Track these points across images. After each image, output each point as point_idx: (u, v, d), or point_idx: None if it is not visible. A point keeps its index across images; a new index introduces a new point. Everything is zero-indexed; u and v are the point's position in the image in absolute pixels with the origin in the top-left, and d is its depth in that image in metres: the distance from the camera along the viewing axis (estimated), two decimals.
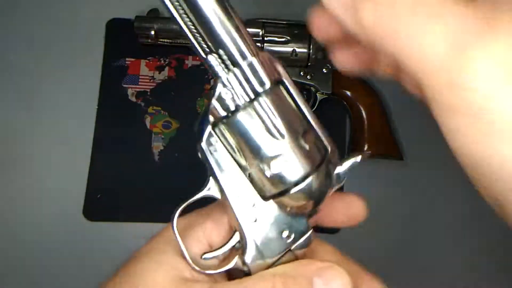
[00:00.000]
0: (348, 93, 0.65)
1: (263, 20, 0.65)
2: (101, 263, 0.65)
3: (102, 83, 0.68)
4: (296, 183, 0.33)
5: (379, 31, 0.25)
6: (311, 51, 0.64)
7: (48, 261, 0.63)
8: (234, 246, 0.35)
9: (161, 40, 0.66)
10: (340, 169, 0.35)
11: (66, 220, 0.64)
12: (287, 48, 0.64)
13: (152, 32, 0.65)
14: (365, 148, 0.64)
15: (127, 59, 0.69)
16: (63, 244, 0.63)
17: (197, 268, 0.33)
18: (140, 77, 0.69)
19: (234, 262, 0.34)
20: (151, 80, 0.69)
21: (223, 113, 0.32)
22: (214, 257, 0.35)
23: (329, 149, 0.34)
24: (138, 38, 0.66)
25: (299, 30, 0.64)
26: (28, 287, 0.63)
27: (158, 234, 0.36)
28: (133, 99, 0.68)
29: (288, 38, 0.64)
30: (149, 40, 0.66)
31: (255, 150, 0.32)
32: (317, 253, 0.37)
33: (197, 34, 0.31)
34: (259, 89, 0.32)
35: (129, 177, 0.66)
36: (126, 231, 0.64)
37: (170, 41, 0.66)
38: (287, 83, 0.33)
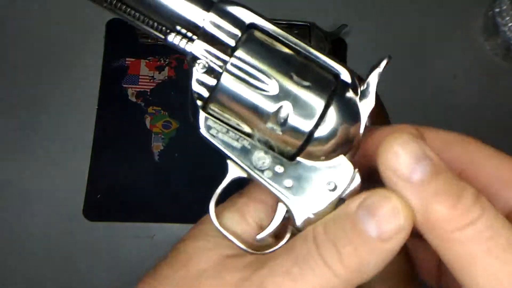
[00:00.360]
0: None
1: None
2: (101, 263, 0.65)
3: (102, 83, 0.68)
4: (315, 126, 0.30)
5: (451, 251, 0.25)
6: None
7: (48, 261, 0.63)
8: (284, 216, 0.32)
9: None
10: (365, 89, 0.31)
11: (66, 220, 0.64)
12: None
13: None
14: None
15: (127, 59, 0.69)
16: (63, 244, 0.63)
17: (249, 250, 0.31)
18: (140, 77, 0.69)
19: (289, 234, 0.32)
20: (151, 80, 0.69)
21: (207, 92, 0.30)
22: (267, 235, 0.32)
23: (341, 73, 0.31)
24: (138, 38, 0.67)
25: (298, 30, 0.64)
26: (28, 287, 0.63)
27: (202, 221, 0.33)
28: (133, 99, 0.68)
29: None
30: (149, 40, 0.66)
31: (253, 113, 0.30)
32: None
33: (147, 20, 0.29)
34: (231, 42, 0.29)
35: (129, 177, 0.66)
36: (126, 231, 0.64)
37: None
38: (260, 23, 0.30)
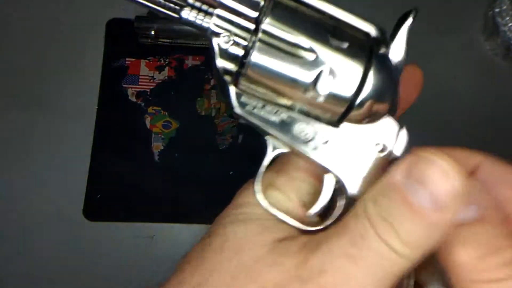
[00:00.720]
0: None
1: None
2: (101, 263, 0.65)
3: (102, 83, 0.68)
4: (358, 89, 0.28)
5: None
6: None
7: (48, 260, 0.63)
8: (334, 189, 0.30)
9: (161, 40, 0.66)
10: (395, 44, 0.29)
11: (66, 220, 0.64)
12: None
13: (152, 32, 0.65)
14: None
15: (127, 59, 0.69)
16: (63, 244, 0.63)
17: (307, 228, 0.29)
18: (140, 77, 0.69)
19: (342, 205, 0.30)
20: (151, 80, 0.69)
21: (235, 67, 0.27)
22: (320, 209, 0.30)
23: (371, 32, 0.29)
24: (138, 38, 0.66)
25: None
26: (28, 287, 0.63)
27: (236, 205, 0.30)
28: (133, 99, 0.68)
29: None
30: (149, 40, 0.66)
31: (290, 84, 0.27)
32: None
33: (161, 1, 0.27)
34: (254, 13, 0.27)
35: (129, 177, 0.66)
36: (126, 231, 0.64)
37: (170, 41, 0.67)
38: None
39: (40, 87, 0.68)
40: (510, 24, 0.67)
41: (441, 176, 0.22)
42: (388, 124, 0.30)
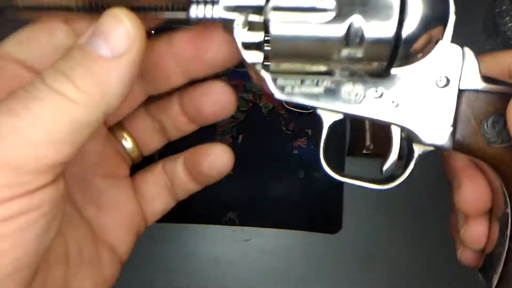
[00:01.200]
0: None
1: None
2: None
3: None
4: (399, 25, 0.24)
5: None
6: None
7: None
8: (402, 138, 0.28)
9: None
10: None
11: None
12: None
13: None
14: (367, 144, 0.64)
15: None
16: None
17: (383, 187, 0.29)
18: None
19: (415, 154, 0.28)
20: None
21: (261, 54, 0.25)
22: (392, 164, 0.29)
23: None
24: None
25: None
26: None
27: None
28: None
29: None
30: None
31: (322, 47, 0.24)
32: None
33: (159, 6, 0.26)
34: None
35: None
36: None
37: None
38: None
39: None
40: (510, 25, 0.67)
41: (115, 24, 0.23)
42: (445, 50, 0.26)
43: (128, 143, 0.36)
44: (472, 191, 0.32)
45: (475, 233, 0.33)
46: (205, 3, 0.25)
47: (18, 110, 0.22)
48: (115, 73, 0.24)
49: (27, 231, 0.23)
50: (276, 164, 0.65)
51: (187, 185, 0.37)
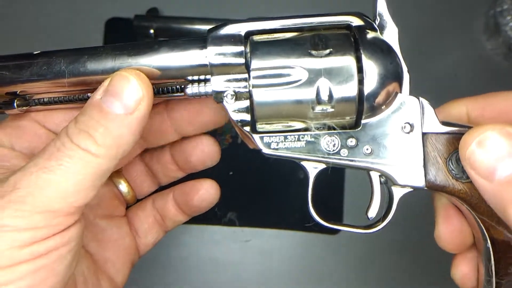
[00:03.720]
0: None
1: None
2: None
3: None
4: (360, 82, 0.29)
5: None
6: None
7: None
8: (381, 181, 0.32)
9: (160, 39, 0.66)
10: (380, 19, 0.30)
11: None
12: None
13: (151, 31, 0.65)
14: None
15: None
16: None
17: (371, 231, 0.33)
18: None
19: (395, 197, 0.32)
20: None
21: (248, 117, 0.30)
22: (376, 209, 0.33)
23: (351, 21, 0.30)
24: (138, 37, 0.66)
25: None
26: None
27: None
28: None
29: None
30: (149, 39, 0.66)
31: (297, 107, 0.29)
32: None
33: (159, 89, 0.31)
34: (241, 60, 0.29)
35: None
36: None
37: None
38: (254, 27, 0.30)
39: None
40: (511, 24, 0.67)
41: (128, 86, 0.28)
42: (405, 101, 0.30)
43: (124, 187, 0.40)
44: (445, 229, 0.35)
45: (461, 272, 0.35)
46: (199, 81, 0.30)
47: (53, 167, 0.27)
48: (128, 128, 0.28)
49: (60, 263, 0.27)
50: (276, 165, 0.65)
51: (176, 218, 0.41)
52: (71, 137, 0.28)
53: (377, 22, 0.30)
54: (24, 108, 0.32)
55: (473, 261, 0.35)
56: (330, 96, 0.29)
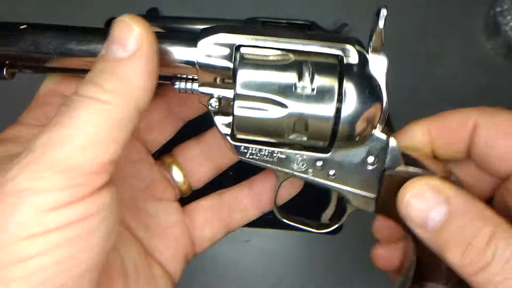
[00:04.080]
0: None
1: (263, 20, 0.65)
2: None
3: None
4: (336, 119, 0.30)
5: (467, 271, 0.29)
6: None
7: None
8: (338, 197, 0.36)
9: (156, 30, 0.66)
10: (374, 53, 0.31)
11: None
12: None
13: None
14: None
15: None
16: None
17: (321, 231, 0.37)
18: None
19: (348, 211, 0.36)
20: None
21: (229, 128, 0.33)
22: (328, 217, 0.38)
23: (342, 54, 0.31)
24: None
25: (299, 29, 0.64)
26: None
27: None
28: None
29: None
30: None
31: (274, 131, 0.31)
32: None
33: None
34: (229, 64, 0.31)
35: None
36: None
37: None
38: (247, 43, 0.31)
39: (39, 86, 0.67)
40: (511, 24, 0.67)
41: (125, 29, 0.28)
42: (375, 138, 0.33)
43: (177, 173, 0.40)
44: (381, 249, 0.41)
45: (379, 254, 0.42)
46: (187, 79, 0.32)
47: (63, 121, 0.26)
48: (134, 70, 0.27)
49: (93, 235, 0.26)
50: None
51: (247, 212, 0.40)
52: (78, 91, 0.27)
53: (369, 51, 0.31)
54: (14, 70, 0.33)
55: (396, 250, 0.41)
56: (306, 127, 0.31)
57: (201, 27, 0.70)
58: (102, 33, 0.31)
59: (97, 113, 0.26)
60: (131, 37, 0.28)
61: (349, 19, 0.67)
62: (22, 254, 0.24)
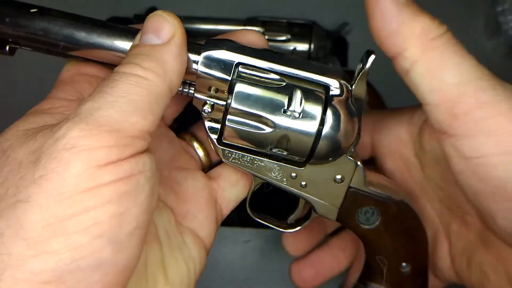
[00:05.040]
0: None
1: (264, 19, 0.65)
2: None
3: None
4: (315, 140, 0.34)
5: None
6: (311, 49, 0.63)
7: None
8: (305, 204, 0.40)
9: None
10: (356, 87, 0.35)
11: None
12: (288, 47, 0.63)
13: None
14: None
15: None
16: None
17: (288, 231, 0.42)
18: None
19: (312, 217, 0.41)
20: None
21: (217, 125, 0.35)
22: (296, 218, 0.42)
23: (331, 84, 0.34)
24: None
25: (299, 29, 0.64)
26: None
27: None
28: None
29: (289, 36, 0.64)
30: None
31: (258, 143, 0.35)
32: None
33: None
34: (226, 76, 0.33)
35: None
36: None
37: None
38: (246, 61, 0.34)
39: (41, 86, 0.67)
40: None
41: (160, 20, 0.31)
42: (346, 160, 0.37)
43: (199, 149, 0.42)
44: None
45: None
46: (184, 83, 0.35)
47: (106, 90, 0.28)
48: (169, 53, 0.31)
49: (141, 191, 0.28)
50: None
51: None
52: (118, 70, 0.30)
53: (353, 86, 0.35)
54: (15, 47, 0.34)
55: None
56: (287, 145, 0.34)
57: (201, 27, 0.70)
58: (112, 28, 0.33)
59: (137, 85, 0.29)
60: (166, 26, 0.31)
61: (350, 18, 0.67)
62: (78, 207, 0.25)
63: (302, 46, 0.63)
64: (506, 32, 0.67)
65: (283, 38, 0.64)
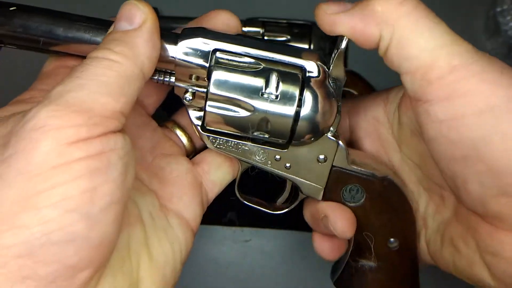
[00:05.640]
0: (350, 90, 0.64)
1: (264, 19, 0.65)
2: None
3: None
4: (294, 121, 0.35)
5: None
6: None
7: None
8: (293, 186, 0.41)
9: None
10: (333, 69, 0.36)
11: None
12: None
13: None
14: None
15: None
16: None
17: (277, 212, 0.44)
18: None
19: (299, 198, 0.42)
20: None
21: (199, 113, 0.37)
22: (283, 200, 0.43)
23: (307, 66, 0.35)
24: None
25: (299, 29, 0.64)
26: None
27: None
28: None
29: (289, 37, 0.64)
30: None
31: (239, 127, 0.36)
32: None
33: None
34: (204, 63, 0.34)
35: None
36: None
37: None
38: (222, 47, 0.35)
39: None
40: (511, 24, 0.67)
41: (131, 8, 0.33)
42: (329, 141, 0.38)
43: (181, 135, 0.43)
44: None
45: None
46: (165, 72, 0.36)
47: (77, 74, 0.29)
48: (140, 37, 0.32)
49: (114, 169, 0.28)
50: None
51: None
52: (90, 55, 0.31)
53: (331, 67, 0.36)
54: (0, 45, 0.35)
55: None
56: (267, 128, 0.35)
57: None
58: (90, 21, 0.35)
59: (108, 68, 0.30)
60: (137, 13, 0.32)
61: None
62: (48, 183, 0.26)
63: (302, 47, 0.64)
64: (506, 32, 0.67)
65: (283, 38, 0.64)
